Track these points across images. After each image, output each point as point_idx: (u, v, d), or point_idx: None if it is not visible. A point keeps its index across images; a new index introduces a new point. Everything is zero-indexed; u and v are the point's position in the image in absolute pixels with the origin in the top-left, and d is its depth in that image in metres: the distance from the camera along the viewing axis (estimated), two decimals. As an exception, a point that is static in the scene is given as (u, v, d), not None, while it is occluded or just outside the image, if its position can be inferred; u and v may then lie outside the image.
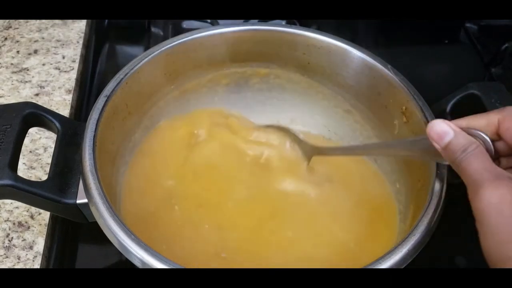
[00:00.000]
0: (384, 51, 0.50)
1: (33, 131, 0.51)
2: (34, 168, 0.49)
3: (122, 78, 0.44)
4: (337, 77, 0.51)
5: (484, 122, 0.33)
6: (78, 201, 0.38)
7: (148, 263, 0.32)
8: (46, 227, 0.44)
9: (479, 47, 0.68)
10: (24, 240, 0.44)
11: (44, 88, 0.57)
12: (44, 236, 0.44)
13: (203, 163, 0.49)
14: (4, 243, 0.43)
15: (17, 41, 0.63)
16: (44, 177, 0.41)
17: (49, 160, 0.44)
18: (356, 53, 0.48)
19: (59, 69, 0.60)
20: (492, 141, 0.33)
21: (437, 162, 0.38)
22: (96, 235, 0.36)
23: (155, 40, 0.67)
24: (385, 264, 0.33)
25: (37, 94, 0.56)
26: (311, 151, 0.49)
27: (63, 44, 0.63)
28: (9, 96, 0.56)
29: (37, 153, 0.50)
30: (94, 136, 0.39)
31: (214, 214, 0.45)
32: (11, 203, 0.46)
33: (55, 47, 0.62)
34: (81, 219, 0.39)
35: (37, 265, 0.42)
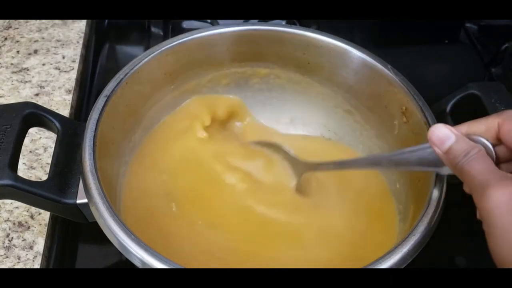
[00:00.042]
0: (384, 51, 0.50)
1: (33, 131, 0.51)
2: (34, 168, 0.49)
3: (122, 78, 0.44)
4: (337, 77, 0.51)
5: (483, 127, 0.33)
6: (78, 201, 0.38)
7: (148, 263, 0.32)
8: (46, 227, 0.44)
9: (479, 47, 0.68)
10: (24, 240, 0.44)
11: (44, 88, 0.57)
12: (44, 236, 0.44)
13: (201, 165, 0.49)
14: (4, 243, 0.43)
15: (17, 41, 0.63)
16: (44, 177, 0.41)
17: (49, 160, 0.44)
18: (356, 53, 0.48)
19: (59, 69, 0.60)
20: (493, 145, 0.33)
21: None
22: (96, 235, 0.36)
23: (155, 40, 0.67)
24: (385, 264, 0.33)
25: (37, 94, 0.56)
26: (302, 168, 0.47)
27: (63, 44, 0.63)
28: (9, 96, 0.56)
29: (37, 153, 0.50)
30: (94, 136, 0.39)
31: (211, 214, 0.45)
32: (11, 203, 0.46)
33: (55, 47, 0.62)
34: (81, 219, 0.39)
35: (37, 265, 0.42)
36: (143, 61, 0.46)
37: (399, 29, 0.69)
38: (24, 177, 0.37)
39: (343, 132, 0.54)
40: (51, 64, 0.60)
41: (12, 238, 0.44)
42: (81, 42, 0.63)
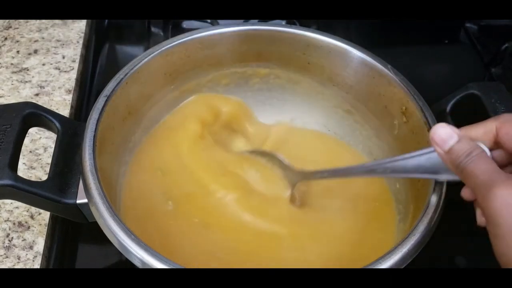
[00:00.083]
0: (384, 51, 0.50)
1: (33, 131, 0.51)
2: (34, 168, 0.49)
3: (122, 78, 0.44)
4: (337, 77, 0.51)
5: (482, 131, 0.33)
6: (78, 201, 0.38)
7: (148, 263, 0.32)
8: (46, 227, 0.44)
9: (479, 47, 0.68)
10: (24, 240, 0.44)
11: (44, 88, 0.57)
12: (44, 236, 0.44)
13: (194, 170, 0.49)
14: (4, 243, 0.43)
15: (17, 41, 0.63)
16: (44, 177, 0.41)
17: (49, 160, 0.44)
18: (356, 53, 0.48)
19: (59, 69, 0.60)
20: (490, 150, 0.33)
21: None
22: (96, 235, 0.36)
23: (155, 40, 0.67)
24: (385, 264, 0.33)
25: (37, 94, 0.56)
26: (296, 177, 0.47)
27: (63, 44, 0.63)
28: (9, 96, 0.56)
29: (37, 153, 0.50)
30: (94, 136, 0.39)
31: (208, 215, 0.45)
32: (11, 203, 0.46)
33: (55, 47, 0.62)
34: (81, 219, 0.39)
35: (37, 265, 0.42)
36: (143, 61, 0.46)
37: (399, 29, 0.69)
38: (24, 177, 0.37)
39: (343, 132, 0.54)
40: (51, 64, 0.60)
41: (12, 238, 0.44)
42: (81, 42, 0.63)
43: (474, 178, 0.30)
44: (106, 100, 0.42)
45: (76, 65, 0.60)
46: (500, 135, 0.32)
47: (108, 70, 0.63)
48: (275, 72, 0.53)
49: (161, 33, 0.68)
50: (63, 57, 0.61)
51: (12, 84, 0.57)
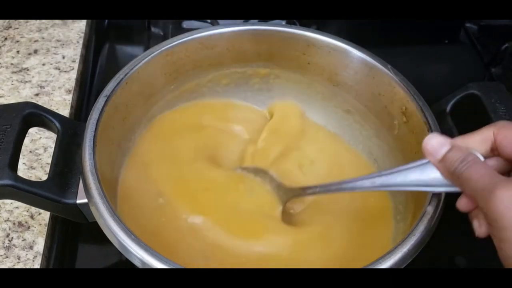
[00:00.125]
0: (384, 51, 0.50)
1: (33, 131, 0.51)
2: (34, 168, 0.49)
3: (122, 78, 0.44)
4: (337, 77, 0.51)
5: (479, 138, 0.33)
6: (78, 201, 0.38)
7: (148, 263, 0.32)
8: (46, 227, 0.44)
9: (479, 47, 0.68)
10: (24, 240, 0.44)
11: (44, 88, 0.57)
12: (44, 236, 0.44)
13: (196, 170, 0.49)
14: (4, 243, 0.43)
15: (17, 41, 0.63)
16: (44, 177, 0.41)
17: (49, 160, 0.44)
18: (356, 53, 0.48)
19: (59, 69, 0.60)
20: (485, 158, 0.33)
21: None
22: (96, 235, 0.36)
23: (155, 40, 0.67)
24: (385, 264, 0.33)
25: (37, 94, 0.56)
26: (287, 195, 0.46)
27: (63, 44, 0.63)
28: (9, 96, 0.56)
29: (37, 153, 0.50)
30: (94, 136, 0.39)
31: (200, 215, 0.45)
32: (11, 203, 0.46)
33: (55, 47, 0.62)
34: (81, 219, 0.39)
35: (37, 265, 0.42)
36: (143, 61, 0.46)
37: (399, 29, 0.69)
38: (24, 177, 0.37)
39: (343, 132, 0.54)
40: (51, 64, 0.60)
41: (12, 238, 0.44)
42: (81, 42, 0.63)
43: (473, 183, 0.30)
44: (106, 100, 0.42)
45: (76, 65, 0.60)
46: (499, 140, 0.32)
47: (108, 70, 0.63)
48: (275, 72, 0.53)
49: (161, 33, 0.68)
50: (63, 57, 0.61)
51: (12, 84, 0.57)
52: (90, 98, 0.59)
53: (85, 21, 0.66)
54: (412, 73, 0.47)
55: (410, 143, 0.44)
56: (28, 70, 0.59)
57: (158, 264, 0.32)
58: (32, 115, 0.40)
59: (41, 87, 0.57)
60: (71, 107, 0.56)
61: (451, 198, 0.36)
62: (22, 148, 0.39)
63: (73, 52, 0.62)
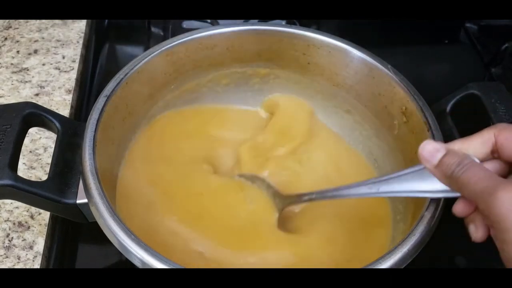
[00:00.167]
0: (384, 51, 0.50)
1: (33, 131, 0.51)
2: (34, 168, 0.49)
3: (122, 78, 0.44)
4: (337, 77, 0.51)
5: (479, 140, 0.33)
6: (78, 201, 0.38)
7: (148, 263, 0.32)
8: (46, 227, 0.44)
9: (479, 47, 0.68)
10: (24, 240, 0.44)
11: (44, 88, 0.57)
12: (44, 236, 0.44)
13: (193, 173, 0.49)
14: (4, 243, 0.43)
15: (17, 41, 0.63)
16: (44, 177, 0.41)
17: (49, 160, 0.44)
18: (356, 53, 0.48)
19: (59, 69, 0.60)
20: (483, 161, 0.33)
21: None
22: (96, 235, 0.36)
23: (155, 40, 0.67)
24: (385, 264, 0.33)
25: (37, 94, 0.56)
26: (284, 202, 0.45)
27: (63, 44, 0.63)
28: (9, 96, 0.56)
29: (37, 153, 0.50)
30: (94, 136, 0.39)
31: (193, 221, 0.44)
32: (11, 203, 0.46)
33: (55, 47, 0.62)
34: (81, 219, 0.39)
35: (37, 265, 0.42)
36: (143, 61, 0.46)
37: (399, 29, 0.69)
38: (24, 177, 0.37)
39: (343, 132, 0.54)
40: (51, 64, 0.60)
41: (12, 238, 0.44)
42: (81, 42, 0.63)
43: (472, 186, 0.30)
44: (106, 100, 0.42)
45: (76, 65, 0.60)
46: (500, 141, 0.32)
47: (108, 70, 0.63)
48: (275, 72, 0.53)
49: (161, 33, 0.68)
50: (63, 57, 0.61)
51: (12, 84, 0.57)
52: (90, 98, 0.59)
53: (85, 21, 0.66)
54: (412, 73, 0.47)
55: (410, 143, 0.44)
56: (28, 70, 0.59)
57: (158, 264, 0.32)
58: (32, 115, 0.40)
59: (41, 87, 0.57)
60: (71, 107, 0.56)
61: (451, 198, 0.36)
62: (22, 148, 0.39)
63: (73, 52, 0.62)
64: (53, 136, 0.43)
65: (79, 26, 0.65)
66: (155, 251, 0.33)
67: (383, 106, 0.48)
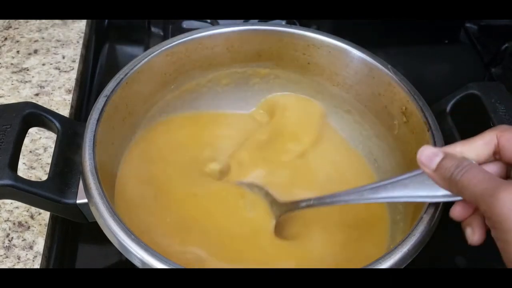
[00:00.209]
0: (384, 51, 0.50)
1: (33, 131, 0.51)
2: (34, 168, 0.49)
3: (122, 78, 0.44)
4: (337, 77, 0.51)
5: (481, 142, 0.33)
6: (78, 201, 0.38)
7: (148, 263, 0.32)
8: (46, 227, 0.44)
9: (479, 47, 0.68)
10: (24, 240, 0.44)
11: (44, 88, 0.57)
12: (44, 236, 0.44)
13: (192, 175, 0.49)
14: (4, 243, 0.43)
15: (17, 41, 0.63)
16: (44, 177, 0.41)
17: (49, 160, 0.44)
18: (356, 53, 0.48)
19: (59, 69, 0.60)
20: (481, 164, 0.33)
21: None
22: (96, 235, 0.36)
23: (155, 40, 0.67)
24: (385, 264, 0.33)
25: (37, 94, 0.56)
26: (281, 209, 0.44)
27: (63, 44, 0.63)
28: (9, 96, 0.56)
29: (37, 153, 0.50)
30: (94, 136, 0.39)
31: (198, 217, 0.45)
32: (11, 203, 0.46)
33: (55, 47, 0.62)
34: (81, 219, 0.39)
35: (37, 265, 0.42)
36: (143, 61, 0.46)
37: (399, 29, 0.69)
38: (24, 177, 0.37)
39: (343, 132, 0.54)
40: (51, 64, 0.60)
41: (12, 238, 0.44)
42: (81, 42, 0.63)
43: (472, 188, 0.30)
44: (106, 100, 0.42)
45: (76, 65, 0.60)
46: (502, 142, 0.32)
47: (108, 70, 0.63)
48: (275, 72, 0.53)
49: (161, 33, 0.68)
50: (63, 57, 0.61)
51: (12, 84, 0.57)
52: (90, 98, 0.59)
53: (85, 21, 0.66)
54: (412, 73, 0.47)
55: (410, 143, 0.44)
56: (28, 70, 0.59)
57: (158, 264, 0.32)
58: (32, 115, 0.40)
59: (41, 87, 0.57)
60: (71, 107, 0.56)
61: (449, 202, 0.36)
62: (22, 148, 0.39)
63: (73, 52, 0.62)
64: (53, 136, 0.43)
65: (79, 26, 0.65)
66: (155, 251, 0.33)
67: (383, 106, 0.48)
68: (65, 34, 0.64)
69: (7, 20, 0.65)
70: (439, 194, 0.34)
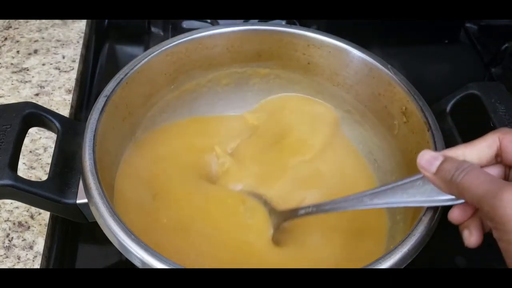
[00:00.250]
0: (384, 51, 0.50)
1: (33, 131, 0.51)
2: (34, 168, 0.49)
3: (122, 78, 0.44)
4: (337, 77, 0.51)
5: (484, 144, 0.33)
6: (78, 201, 0.38)
7: (148, 263, 0.32)
8: (46, 227, 0.44)
9: (479, 47, 0.68)
10: (24, 240, 0.44)
11: (44, 88, 0.57)
12: (44, 236, 0.44)
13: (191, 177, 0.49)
14: (4, 243, 0.43)
15: (17, 41, 0.63)
16: (44, 177, 0.41)
17: (49, 160, 0.44)
18: (356, 53, 0.48)
19: (59, 69, 0.60)
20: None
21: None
22: (96, 235, 0.36)
23: (155, 40, 0.67)
24: (385, 264, 0.33)
25: (37, 94, 0.56)
26: (279, 218, 0.44)
27: (63, 44, 0.63)
28: (9, 96, 0.56)
29: (37, 153, 0.50)
30: (94, 136, 0.39)
31: (197, 218, 0.44)
32: (11, 203, 0.46)
33: (55, 47, 0.62)
34: (81, 219, 0.39)
35: (37, 265, 0.42)
36: (143, 61, 0.46)
37: (399, 29, 0.69)
38: (24, 177, 0.37)
39: (343, 132, 0.53)
40: (51, 64, 0.60)
41: (12, 238, 0.44)
42: (81, 42, 0.63)
43: (474, 190, 0.30)
44: (106, 100, 0.42)
45: (76, 65, 0.60)
46: (504, 144, 0.32)
47: (108, 70, 0.63)
48: (275, 72, 0.53)
49: (161, 33, 0.68)
50: (63, 57, 0.61)
51: (12, 84, 0.57)
52: (90, 98, 0.59)
53: (85, 21, 0.66)
54: (412, 73, 0.47)
55: (410, 143, 0.44)
56: (28, 70, 0.59)
57: (158, 264, 0.32)
58: (32, 115, 0.40)
59: (41, 87, 0.57)
60: (71, 107, 0.56)
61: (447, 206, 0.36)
62: (22, 148, 0.39)
63: (73, 52, 0.62)
64: (53, 136, 0.43)
65: (79, 26, 0.65)
66: (155, 251, 0.33)
67: (383, 106, 0.48)
68: (65, 34, 0.64)
69: (7, 20, 0.65)
70: (439, 198, 0.34)
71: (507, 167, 0.33)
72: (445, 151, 0.34)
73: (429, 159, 0.33)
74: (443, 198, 0.34)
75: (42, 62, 0.60)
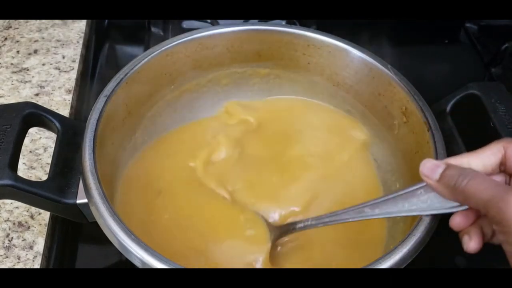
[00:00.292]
0: (384, 51, 0.50)
1: (33, 131, 0.51)
2: (34, 168, 0.49)
3: (122, 78, 0.44)
4: (337, 77, 0.51)
5: (488, 152, 0.33)
6: (78, 201, 0.38)
7: (148, 263, 0.32)
8: (46, 227, 0.44)
9: (479, 47, 0.68)
10: (24, 240, 0.44)
11: (44, 88, 0.57)
12: (44, 236, 0.44)
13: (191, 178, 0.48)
14: (4, 243, 0.43)
15: (17, 41, 0.63)
16: (44, 177, 0.41)
17: (49, 160, 0.44)
18: (356, 53, 0.48)
19: (59, 69, 0.60)
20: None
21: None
22: (96, 235, 0.36)
23: (155, 40, 0.67)
24: (385, 264, 0.33)
25: (37, 94, 0.56)
26: (275, 233, 0.43)
27: (63, 44, 0.63)
28: (9, 96, 0.56)
29: (37, 153, 0.50)
30: (94, 136, 0.39)
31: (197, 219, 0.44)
32: (11, 203, 0.46)
33: (55, 47, 0.62)
34: (81, 219, 0.39)
35: (37, 265, 0.42)
36: (143, 61, 0.46)
37: (399, 29, 0.69)
38: (24, 177, 0.37)
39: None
40: (51, 64, 0.60)
41: (12, 238, 0.44)
42: (81, 42, 0.63)
43: (479, 194, 0.30)
44: (106, 100, 0.42)
45: (76, 65, 0.60)
46: (509, 153, 0.32)
47: (108, 70, 0.63)
48: (275, 72, 0.53)
49: (161, 33, 0.68)
50: (63, 57, 0.61)
51: (12, 84, 0.57)
52: (90, 98, 0.59)
53: (85, 21, 0.66)
54: (412, 73, 0.47)
55: (410, 143, 0.44)
56: (28, 70, 0.59)
57: (158, 264, 0.32)
58: (32, 115, 0.40)
59: (41, 87, 0.57)
60: (71, 107, 0.56)
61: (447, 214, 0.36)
62: (22, 148, 0.39)
63: (73, 52, 0.62)
64: (53, 136, 0.43)
65: (79, 26, 0.65)
66: (155, 251, 0.33)
67: (383, 106, 0.48)
68: (65, 34, 0.64)
69: (7, 20, 0.65)
70: (442, 205, 0.34)
71: (509, 176, 0.33)
72: (448, 159, 0.34)
73: (431, 167, 0.33)
74: (445, 206, 0.34)
75: (42, 62, 0.60)
